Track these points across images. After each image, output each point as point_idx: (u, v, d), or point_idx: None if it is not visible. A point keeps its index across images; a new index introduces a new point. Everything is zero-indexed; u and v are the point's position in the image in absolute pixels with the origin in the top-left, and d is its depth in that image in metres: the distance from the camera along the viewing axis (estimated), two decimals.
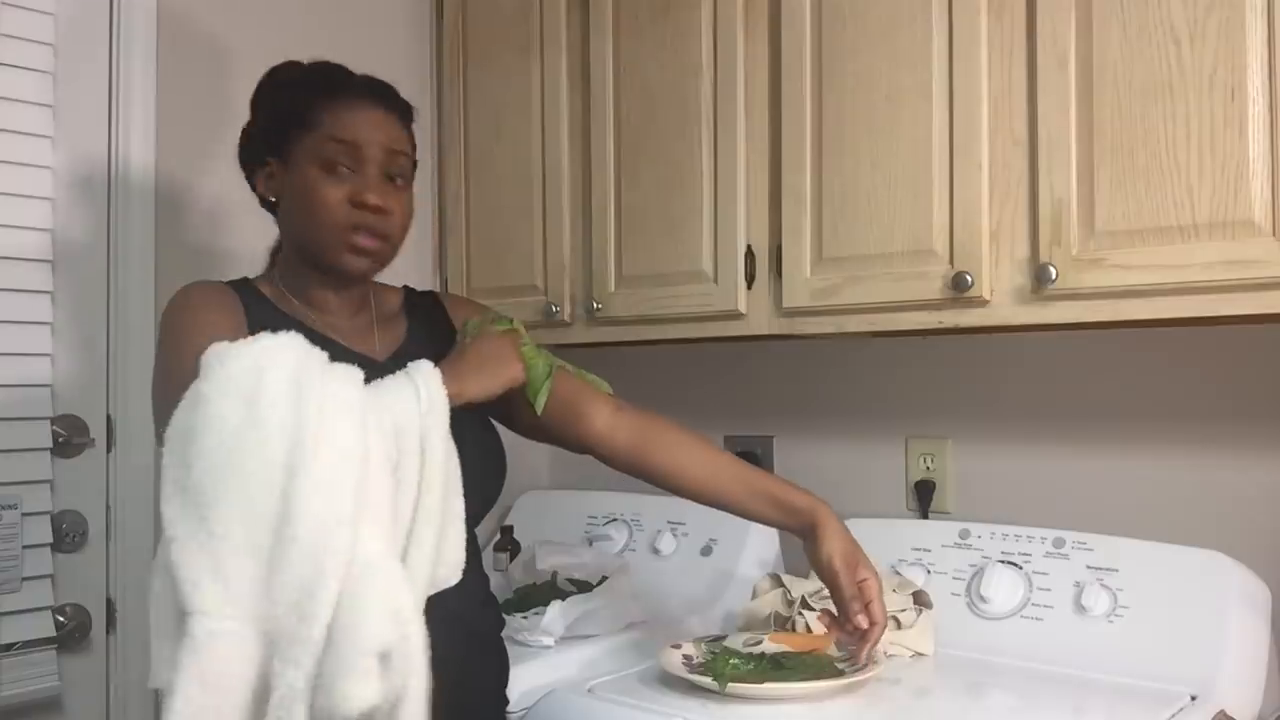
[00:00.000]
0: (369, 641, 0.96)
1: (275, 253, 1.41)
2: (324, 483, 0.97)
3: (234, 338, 1.09)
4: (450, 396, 1.11)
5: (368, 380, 1.09)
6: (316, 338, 1.27)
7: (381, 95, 1.30)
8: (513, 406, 1.36)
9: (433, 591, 1.09)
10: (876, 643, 1.33)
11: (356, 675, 0.94)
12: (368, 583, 0.98)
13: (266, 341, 1.03)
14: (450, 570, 1.12)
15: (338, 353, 1.26)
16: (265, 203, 1.34)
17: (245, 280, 1.34)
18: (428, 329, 1.41)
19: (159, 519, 1.79)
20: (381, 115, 1.28)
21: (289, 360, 1.02)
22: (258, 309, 1.27)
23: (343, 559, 0.97)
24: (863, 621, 1.32)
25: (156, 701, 1.79)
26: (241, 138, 1.35)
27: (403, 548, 1.06)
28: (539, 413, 1.34)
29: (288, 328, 1.25)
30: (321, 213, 1.24)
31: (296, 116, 1.26)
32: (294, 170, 1.26)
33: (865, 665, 1.34)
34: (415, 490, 1.07)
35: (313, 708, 0.95)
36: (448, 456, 1.11)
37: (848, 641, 1.38)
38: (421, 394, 1.09)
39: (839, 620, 1.36)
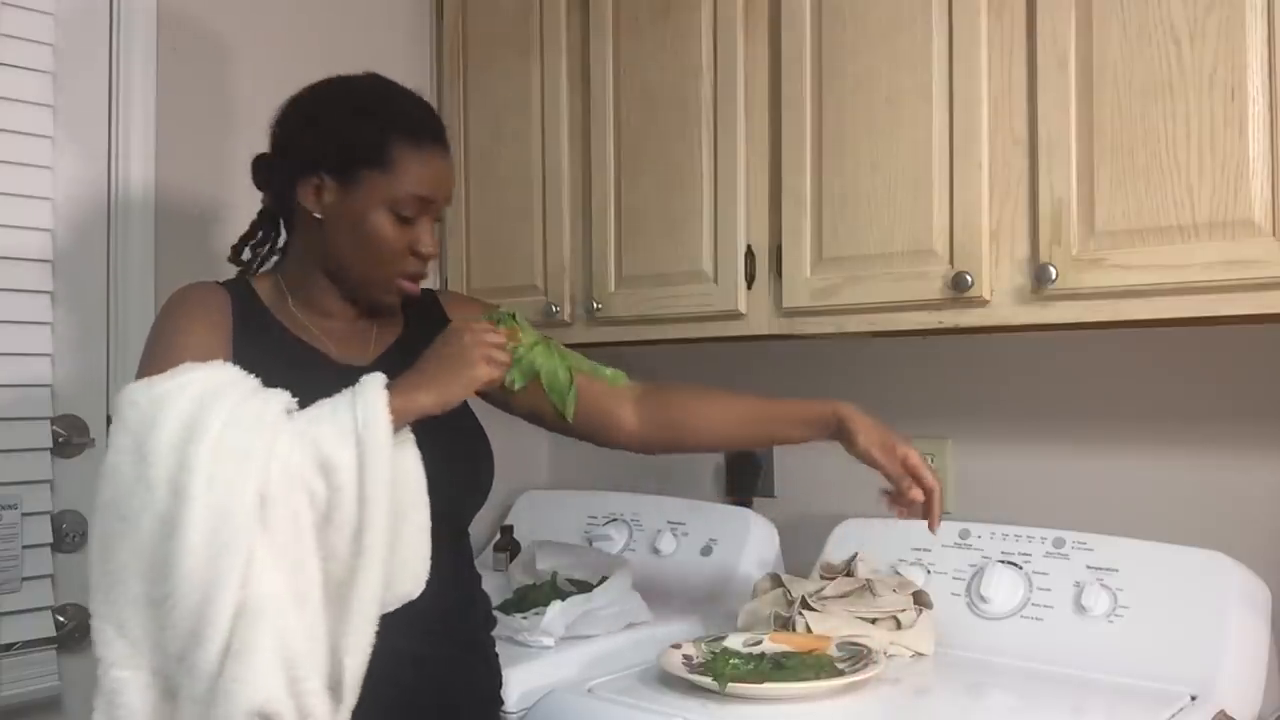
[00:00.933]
0: (248, 699, 0.97)
1: (266, 233, 1.39)
2: (204, 537, 0.98)
3: (207, 356, 1.12)
4: (397, 411, 1.08)
5: (339, 389, 1.09)
6: (299, 346, 1.29)
7: (445, 141, 1.32)
8: (538, 412, 1.38)
9: (388, 609, 1.09)
10: (941, 505, 1.36)
11: None
12: (254, 632, 0.99)
13: (165, 385, 1.03)
14: (412, 584, 1.11)
15: (317, 363, 1.28)
16: (287, 207, 1.33)
17: (244, 279, 1.34)
18: (424, 328, 1.39)
19: None
20: (448, 166, 1.32)
21: (185, 405, 1.02)
22: (249, 314, 1.28)
23: (226, 612, 0.98)
24: (918, 494, 1.34)
25: None
26: (291, 136, 1.31)
27: (342, 580, 1.05)
28: (570, 421, 1.37)
29: (272, 338, 1.28)
30: (381, 254, 1.27)
31: (375, 153, 1.25)
32: (355, 201, 1.26)
33: (865, 666, 1.34)
34: (354, 524, 1.05)
35: None
36: (399, 477, 1.08)
37: (911, 515, 1.38)
38: (360, 417, 1.06)
39: (898, 498, 1.37)
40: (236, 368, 1.08)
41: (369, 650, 1.06)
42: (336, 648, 1.05)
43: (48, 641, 1.65)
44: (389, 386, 1.10)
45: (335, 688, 1.04)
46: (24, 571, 1.62)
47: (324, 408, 1.09)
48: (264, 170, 1.36)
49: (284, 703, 0.99)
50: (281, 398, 1.07)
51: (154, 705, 1.01)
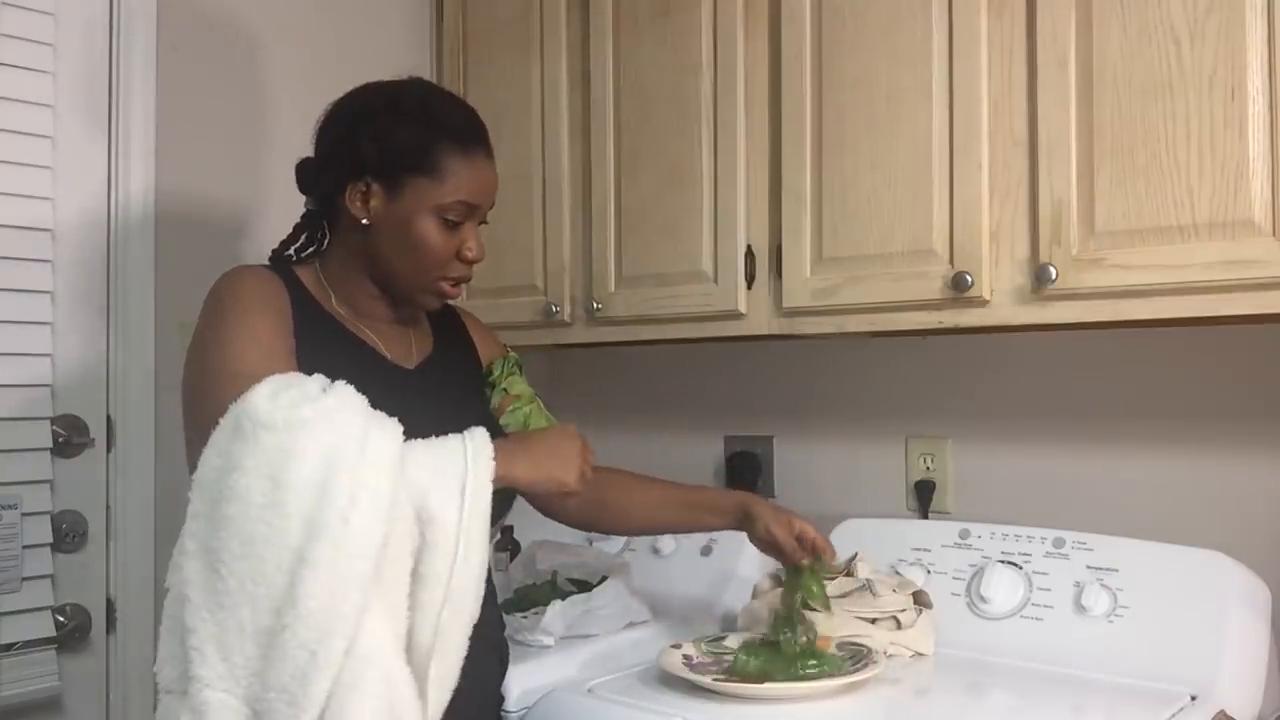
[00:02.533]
0: None
1: (311, 235, 1.40)
2: (334, 576, 0.97)
3: (279, 346, 1.13)
4: (497, 478, 1.10)
5: (399, 393, 1.09)
6: (355, 343, 1.30)
7: (489, 146, 1.34)
8: None
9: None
10: (832, 552, 1.48)
11: None
12: (364, 676, 0.99)
13: (305, 411, 1.00)
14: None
15: (374, 362, 1.30)
16: (332, 210, 1.34)
17: (287, 268, 1.34)
18: (450, 339, 1.46)
19: (159, 519, 1.82)
20: (493, 172, 1.34)
21: (324, 438, 1.00)
22: (302, 306, 1.28)
23: (339, 653, 0.97)
24: (803, 558, 1.46)
25: (156, 700, 1.79)
26: (337, 142, 1.31)
27: (430, 636, 1.05)
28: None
29: (330, 329, 1.29)
30: (428, 259, 1.29)
31: (422, 160, 1.26)
32: (402, 206, 1.27)
33: (865, 666, 1.34)
34: (445, 578, 1.05)
35: None
36: (482, 556, 1.08)
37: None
38: (469, 479, 1.07)
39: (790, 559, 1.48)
40: (354, 390, 1.06)
41: (447, 700, 1.08)
42: (422, 690, 1.05)
43: (48, 641, 1.65)
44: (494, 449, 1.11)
45: None
46: (24, 571, 1.62)
47: (429, 455, 1.08)
48: (309, 175, 1.37)
49: None
50: (397, 431, 1.05)
51: None
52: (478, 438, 1.11)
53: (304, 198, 1.40)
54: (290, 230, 1.40)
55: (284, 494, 0.97)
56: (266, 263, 1.38)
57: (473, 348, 1.50)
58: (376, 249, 1.30)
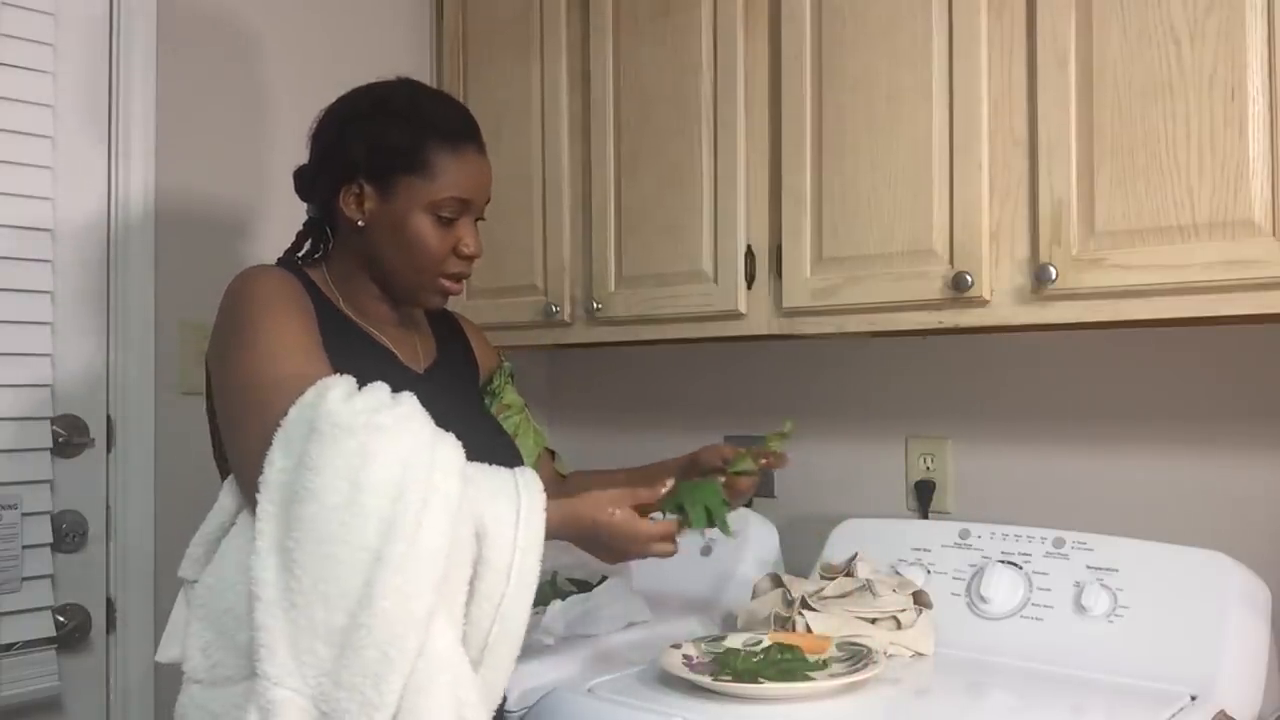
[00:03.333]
0: None
1: (315, 242, 1.40)
2: (409, 578, 0.98)
3: (313, 346, 1.13)
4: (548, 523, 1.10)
5: (412, 395, 1.10)
6: (373, 345, 1.31)
7: (480, 141, 1.34)
8: None
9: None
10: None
11: None
12: (435, 678, 0.99)
13: (382, 418, 1.01)
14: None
15: (391, 365, 1.31)
16: (331, 215, 1.34)
17: (298, 269, 1.34)
18: (451, 344, 1.47)
19: (159, 519, 1.82)
20: (485, 166, 1.34)
21: (400, 443, 1.01)
22: (320, 306, 1.28)
23: (412, 653, 0.98)
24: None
25: (156, 701, 1.80)
26: (328, 146, 1.32)
27: (480, 648, 1.06)
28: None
29: (349, 333, 1.30)
30: (424, 257, 1.29)
31: (413, 159, 1.27)
32: (396, 206, 1.28)
33: (865, 666, 1.34)
34: (498, 596, 1.06)
35: None
36: (534, 578, 1.09)
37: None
38: (523, 507, 1.08)
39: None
40: (418, 401, 1.07)
41: (495, 708, 1.09)
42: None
43: (48, 641, 1.65)
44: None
45: None
46: (24, 571, 1.62)
47: (484, 476, 1.09)
48: (306, 181, 1.37)
49: None
50: (459, 444, 1.06)
51: None
52: (528, 474, 1.12)
53: (305, 204, 1.40)
54: (294, 238, 1.40)
55: (362, 495, 0.98)
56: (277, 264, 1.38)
57: (471, 353, 1.51)
58: (374, 250, 1.31)
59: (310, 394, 1.03)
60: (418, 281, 1.32)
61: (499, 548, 1.06)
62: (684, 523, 1.25)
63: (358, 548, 0.97)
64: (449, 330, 1.49)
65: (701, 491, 1.28)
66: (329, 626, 0.97)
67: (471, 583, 1.05)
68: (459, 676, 1.01)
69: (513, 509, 1.07)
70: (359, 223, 1.29)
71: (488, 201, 1.36)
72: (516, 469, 1.13)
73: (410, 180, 1.27)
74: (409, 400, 1.06)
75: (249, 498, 1.06)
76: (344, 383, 1.05)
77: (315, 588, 0.97)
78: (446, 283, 1.33)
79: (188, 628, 1.07)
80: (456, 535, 1.02)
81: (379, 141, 1.28)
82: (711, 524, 1.26)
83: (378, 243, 1.30)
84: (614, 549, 1.21)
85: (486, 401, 1.50)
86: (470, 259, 1.33)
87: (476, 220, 1.34)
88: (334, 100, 1.35)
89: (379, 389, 1.06)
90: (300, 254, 1.40)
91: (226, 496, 1.13)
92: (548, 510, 1.11)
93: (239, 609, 1.03)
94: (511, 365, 1.57)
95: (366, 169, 1.28)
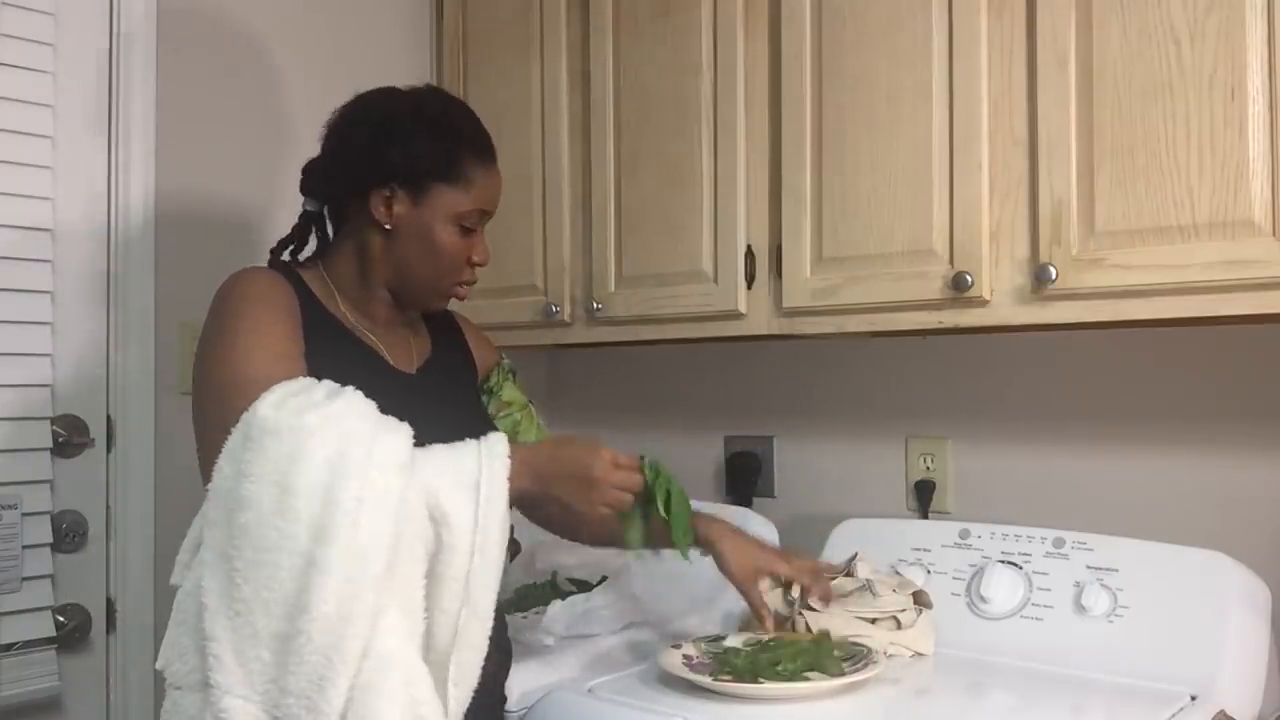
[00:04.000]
0: None
1: (306, 237, 1.40)
2: (343, 579, 0.98)
3: (290, 349, 1.13)
4: (511, 486, 1.11)
5: (400, 397, 1.10)
6: (361, 347, 1.31)
7: (496, 154, 1.37)
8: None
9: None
10: (825, 593, 1.47)
11: None
12: (385, 677, 0.99)
13: (310, 418, 1.01)
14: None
15: (378, 366, 1.31)
16: (340, 212, 1.36)
17: (292, 270, 1.34)
18: (448, 343, 1.47)
19: (159, 519, 1.82)
20: (500, 180, 1.37)
21: (331, 442, 1.01)
22: (308, 307, 1.28)
23: (355, 655, 0.98)
24: (769, 625, 1.45)
25: (156, 701, 1.79)
26: (360, 147, 1.32)
27: (449, 636, 1.06)
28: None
29: (336, 334, 1.30)
30: (444, 264, 1.32)
31: (447, 167, 1.30)
32: (425, 213, 1.30)
33: (865, 666, 1.34)
34: (463, 578, 1.06)
35: None
36: (500, 553, 1.09)
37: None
38: (485, 478, 1.08)
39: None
40: (362, 396, 1.07)
41: (468, 700, 1.09)
42: (442, 691, 1.06)
43: (48, 641, 1.65)
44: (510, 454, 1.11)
45: None
46: (24, 571, 1.62)
47: (444, 457, 1.09)
48: (317, 176, 1.38)
49: None
50: (407, 435, 1.07)
51: None
52: (493, 440, 1.12)
53: (303, 198, 1.40)
54: (290, 231, 1.40)
55: (292, 500, 0.98)
56: (268, 264, 1.38)
57: (468, 352, 1.51)
58: (396, 254, 1.32)
59: (258, 400, 1.04)
60: (434, 288, 1.35)
61: (459, 529, 1.05)
62: (641, 505, 1.27)
63: (291, 553, 0.98)
64: (447, 331, 1.49)
65: (676, 496, 1.30)
66: (271, 633, 0.98)
67: (433, 569, 1.05)
68: (411, 674, 1.01)
69: (472, 484, 1.07)
70: (386, 226, 1.31)
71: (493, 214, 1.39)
72: (484, 438, 1.12)
73: (444, 189, 1.30)
74: (346, 396, 1.06)
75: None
76: (284, 387, 1.05)
77: (257, 595, 0.98)
78: (456, 289, 1.36)
79: (168, 634, 1.07)
80: (402, 529, 1.02)
81: (419, 149, 1.30)
82: (669, 523, 1.29)
83: (401, 247, 1.32)
84: (576, 473, 1.19)
85: (484, 400, 1.50)
86: (479, 266, 1.37)
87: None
88: (357, 99, 1.36)
89: (316, 388, 1.06)
90: (293, 247, 1.40)
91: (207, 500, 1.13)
92: (511, 461, 1.10)
93: (206, 620, 1.03)
94: (512, 363, 1.56)
95: (403, 175, 1.29)
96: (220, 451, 1.04)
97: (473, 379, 1.49)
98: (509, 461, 1.11)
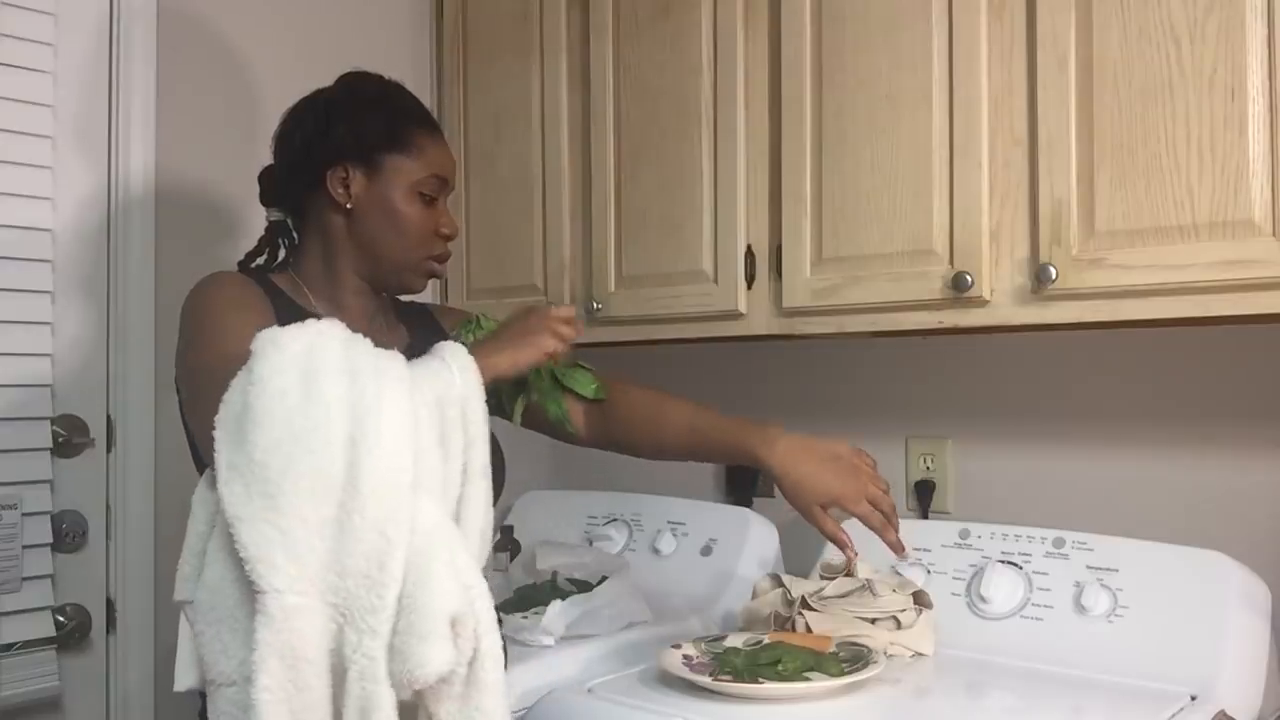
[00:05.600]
0: (441, 607, 0.98)
1: (279, 245, 1.42)
2: (386, 453, 0.99)
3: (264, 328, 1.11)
4: (480, 369, 1.13)
5: None
6: None
7: (443, 132, 1.41)
8: (499, 399, 1.41)
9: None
10: (893, 529, 1.36)
11: (431, 640, 0.97)
12: (432, 550, 1.00)
13: (318, 325, 1.05)
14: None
15: None
16: (300, 213, 1.37)
17: (262, 275, 1.36)
18: (423, 333, 1.46)
19: (159, 519, 1.82)
20: (451, 153, 1.40)
21: (339, 340, 1.04)
22: (279, 304, 1.29)
23: (407, 527, 0.99)
24: (852, 553, 1.40)
25: (156, 701, 1.80)
26: (308, 136, 1.35)
27: (454, 513, 1.08)
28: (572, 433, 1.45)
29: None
30: (411, 236, 1.34)
31: (395, 138, 1.33)
32: (383, 186, 1.33)
33: (865, 666, 1.34)
34: (461, 458, 1.09)
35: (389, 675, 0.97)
36: (485, 420, 1.12)
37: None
38: (454, 368, 1.10)
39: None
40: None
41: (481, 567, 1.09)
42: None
43: (48, 641, 1.65)
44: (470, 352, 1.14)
45: None
46: (24, 571, 1.62)
47: (417, 362, 1.11)
48: (275, 182, 1.40)
49: (467, 608, 1.00)
50: (392, 351, 1.09)
51: (321, 631, 0.99)
52: (448, 345, 1.14)
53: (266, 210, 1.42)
54: (255, 244, 1.42)
55: (319, 384, 0.99)
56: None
57: (443, 334, 1.49)
58: (361, 233, 1.34)
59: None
60: (404, 262, 1.35)
61: (451, 404, 1.08)
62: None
63: (329, 436, 0.98)
64: (423, 323, 1.49)
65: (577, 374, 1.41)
66: (321, 520, 0.97)
67: (440, 444, 1.07)
68: (455, 548, 1.02)
69: (445, 369, 1.10)
70: (346, 205, 1.32)
71: (454, 187, 1.41)
72: (436, 346, 1.15)
73: (396, 158, 1.32)
74: (334, 320, 1.08)
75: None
76: None
77: (298, 488, 0.97)
78: (430, 263, 1.37)
79: (201, 638, 1.07)
80: (417, 412, 1.03)
81: (364, 124, 1.33)
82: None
83: (365, 224, 1.33)
84: (522, 326, 1.24)
85: None
86: (449, 239, 1.38)
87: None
88: (293, 105, 1.39)
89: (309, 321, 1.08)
90: (263, 259, 1.41)
91: (198, 506, 1.12)
92: (472, 350, 1.14)
93: (248, 600, 1.02)
94: (481, 315, 1.50)
95: (353, 151, 1.32)
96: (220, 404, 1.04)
97: None
98: (463, 348, 1.13)
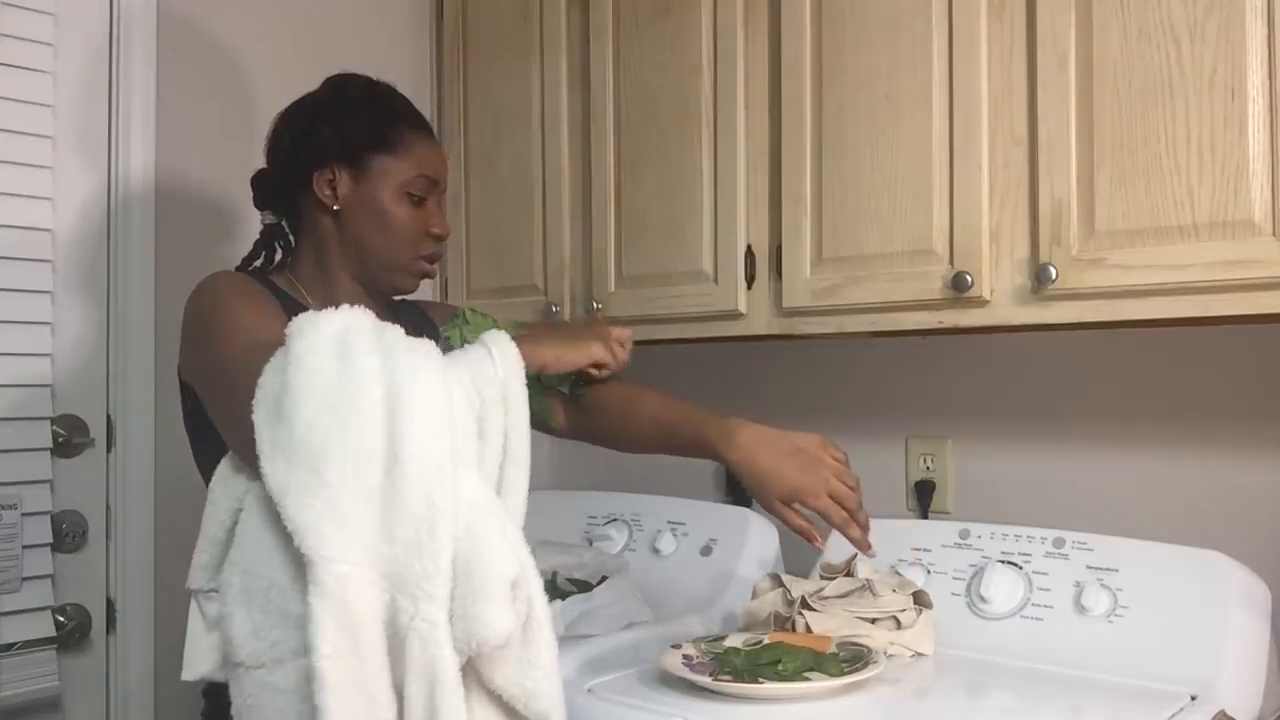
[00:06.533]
0: (500, 572, 0.98)
1: (275, 248, 1.42)
2: (424, 422, 0.99)
3: (283, 324, 1.10)
4: (524, 357, 1.13)
5: None
6: None
7: (434, 131, 1.41)
8: None
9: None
10: (857, 525, 1.34)
11: (496, 602, 0.97)
12: (482, 518, 1.00)
13: (349, 310, 1.05)
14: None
15: None
16: (294, 216, 1.37)
17: (259, 274, 1.36)
18: (414, 331, 1.43)
19: (159, 519, 1.82)
20: (441, 149, 1.41)
21: (372, 321, 1.05)
22: (282, 302, 1.29)
23: (451, 494, 0.99)
24: (820, 545, 1.38)
25: (156, 701, 1.80)
26: (296, 139, 1.35)
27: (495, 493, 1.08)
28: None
29: None
30: (400, 237, 1.34)
31: (382, 138, 1.33)
32: (370, 186, 1.33)
33: (865, 666, 1.34)
34: (501, 437, 1.09)
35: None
36: (525, 406, 1.12)
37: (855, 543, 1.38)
38: (495, 355, 1.10)
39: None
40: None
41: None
42: None
43: (48, 641, 1.65)
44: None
45: None
46: (24, 571, 1.62)
47: (458, 350, 1.13)
48: (264, 185, 1.40)
49: (522, 573, 1.01)
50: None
51: (375, 600, 0.99)
52: (495, 332, 1.15)
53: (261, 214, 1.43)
54: (251, 248, 1.42)
55: (355, 361, 1.00)
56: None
57: (434, 329, 1.50)
58: (349, 234, 1.34)
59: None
60: (394, 262, 1.35)
61: (490, 386, 1.08)
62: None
63: (368, 411, 0.98)
64: (415, 321, 1.47)
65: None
66: (367, 489, 0.98)
67: (480, 432, 1.08)
68: (503, 518, 1.03)
69: (485, 353, 1.10)
70: (334, 207, 1.33)
71: (446, 187, 1.41)
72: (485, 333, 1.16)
73: (383, 159, 1.33)
74: (361, 307, 1.08)
75: (252, 459, 1.05)
76: None
77: (345, 461, 0.97)
78: (422, 264, 1.37)
79: (228, 620, 1.06)
80: (450, 390, 1.03)
81: (349, 125, 1.33)
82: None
83: (353, 226, 1.34)
84: (575, 330, 1.28)
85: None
86: (440, 239, 1.37)
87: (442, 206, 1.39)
88: (282, 110, 1.39)
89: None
90: (258, 262, 1.41)
91: (220, 491, 1.12)
92: (518, 341, 1.14)
93: (282, 579, 1.02)
94: (467, 309, 1.53)
95: (339, 152, 1.32)
96: (249, 402, 1.03)
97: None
98: (508, 336, 1.14)
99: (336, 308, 1.06)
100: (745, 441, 1.33)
